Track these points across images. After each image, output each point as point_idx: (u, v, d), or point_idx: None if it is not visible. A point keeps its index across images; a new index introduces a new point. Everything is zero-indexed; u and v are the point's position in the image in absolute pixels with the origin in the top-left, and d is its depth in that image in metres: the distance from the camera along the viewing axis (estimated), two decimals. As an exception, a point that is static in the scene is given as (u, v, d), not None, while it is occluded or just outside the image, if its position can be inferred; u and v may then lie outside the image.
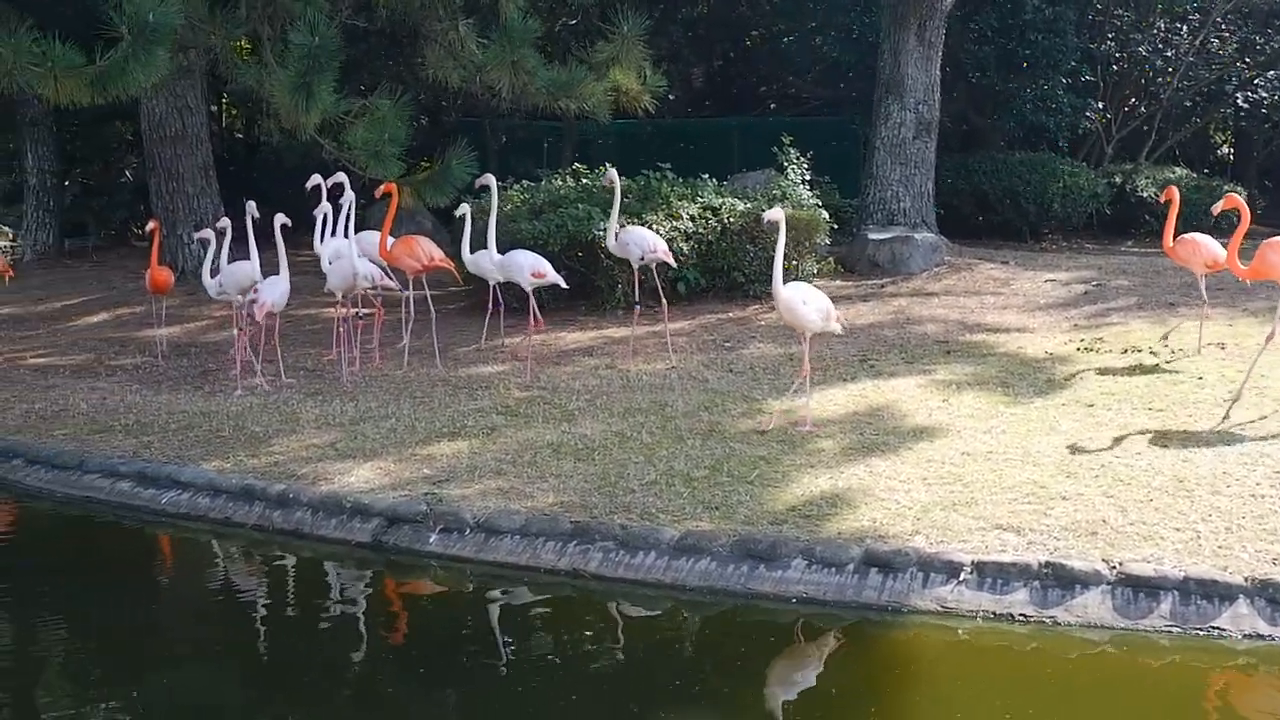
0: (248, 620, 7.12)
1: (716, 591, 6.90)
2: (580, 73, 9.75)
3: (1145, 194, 21.31)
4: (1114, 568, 6.55)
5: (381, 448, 9.09)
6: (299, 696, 6.16)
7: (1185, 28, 22.56)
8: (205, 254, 11.91)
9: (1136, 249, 19.39)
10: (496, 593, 7.29)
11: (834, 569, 6.87)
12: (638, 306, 12.10)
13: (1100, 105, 22.34)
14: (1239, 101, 24.01)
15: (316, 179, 12.28)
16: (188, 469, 8.86)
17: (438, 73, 10.12)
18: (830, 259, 15.70)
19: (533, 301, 11.47)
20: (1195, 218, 19.37)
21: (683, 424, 9.35)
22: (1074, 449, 8.35)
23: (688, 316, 13.42)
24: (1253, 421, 8.78)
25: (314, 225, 12.32)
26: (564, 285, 11.83)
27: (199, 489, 8.61)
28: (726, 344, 12.16)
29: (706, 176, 15.09)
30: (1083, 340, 11.59)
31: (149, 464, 9.02)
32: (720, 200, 14.13)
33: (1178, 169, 23.16)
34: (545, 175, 15.92)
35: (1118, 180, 21.78)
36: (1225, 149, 29.01)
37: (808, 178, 15.52)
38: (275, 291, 10.79)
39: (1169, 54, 22.33)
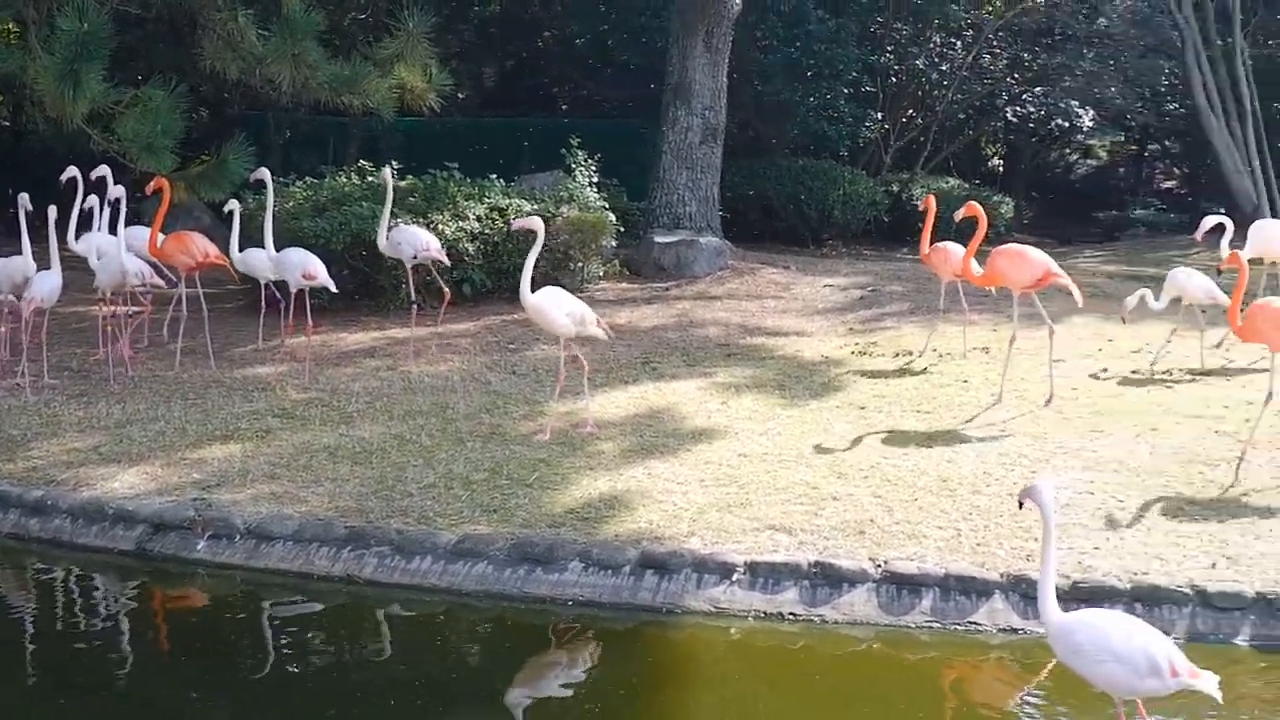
0: (1, 635, 6.79)
1: (493, 595, 6.87)
2: (364, 69, 9.57)
3: (920, 203, 22.01)
4: (879, 566, 6.76)
5: (149, 451, 8.76)
6: (57, 713, 5.90)
7: (960, 43, 23.43)
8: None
9: (911, 255, 19.94)
10: (268, 601, 7.13)
11: (610, 571, 6.91)
12: (415, 306, 11.96)
13: (879, 116, 22.99)
14: (1008, 115, 25.12)
15: (72, 171, 11.76)
16: (-66, 474, 8.40)
17: (216, 64, 9.78)
18: (616, 261, 15.80)
19: (296, 302, 11.27)
20: (965, 226, 20.21)
21: (463, 426, 9.27)
22: (846, 450, 8.59)
23: (473, 317, 13.31)
24: (1013, 419, 9.19)
25: (85, 219, 11.81)
26: (333, 289, 11.59)
27: (-54, 495, 8.16)
28: (510, 346, 12.10)
29: (494, 177, 15.01)
30: (857, 344, 11.93)
31: (-107, 469, 8.52)
32: (507, 201, 14.08)
33: (951, 179, 24.03)
34: (330, 172, 15.59)
35: (895, 189, 22.47)
36: (996, 161, 30.25)
37: (595, 180, 15.58)
38: (45, 287, 10.30)
39: (944, 68, 23.14)
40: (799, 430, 9.09)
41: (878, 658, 6.30)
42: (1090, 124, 26.02)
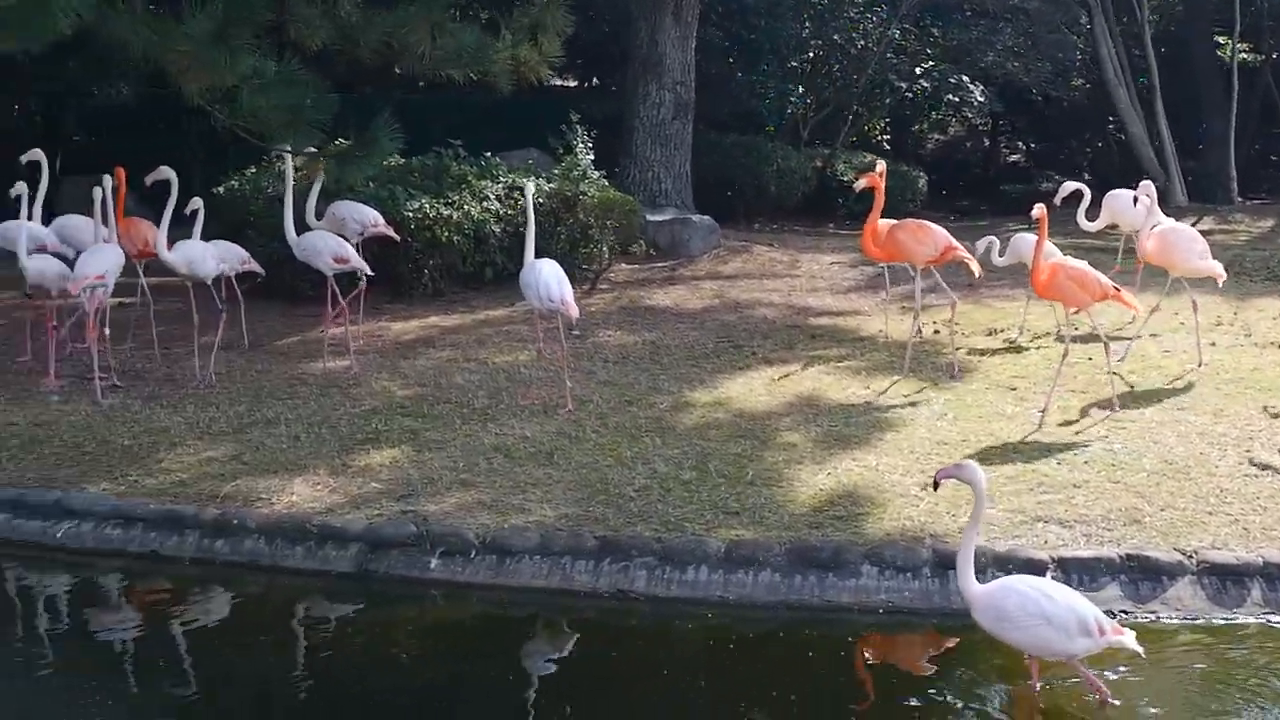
0: (241, 677, 6.00)
1: (790, 605, 6.36)
2: (488, 39, 8.75)
3: (846, 177, 21.85)
4: (1190, 557, 6.49)
5: (297, 459, 7.94)
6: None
7: (874, 17, 23.42)
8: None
9: (843, 231, 19.67)
10: (537, 623, 6.50)
11: (909, 574, 6.48)
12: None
13: (800, 90, 22.83)
14: (905, 92, 25.24)
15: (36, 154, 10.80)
16: (77, 494, 7.41)
17: (303, 30, 8.67)
18: (642, 242, 15.18)
19: (331, 289, 10.54)
20: (894, 204, 20.33)
21: (621, 420, 8.67)
22: (1043, 435, 8.25)
23: (502, 304, 12.59)
24: (1173, 394, 8.97)
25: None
26: (369, 272, 10.81)
27: (103, 518, 7.19)
28: (575, 331, 11.31)
29: (490, 155, 14.26)
30: (931, 322, 11.53)
31: (27, 490, 7.49)
32: (526, 180, 13.37)
33: (869, 154, 23.98)
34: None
35: (819, 164, 22.31)
36: (882, 136, 30.33)
37: (592, 158, 14.86)
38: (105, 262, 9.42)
39: (861, 43, 23.11)
40: (972, 414, 8.75)
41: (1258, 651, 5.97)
42: (980, 99, 26.35)
